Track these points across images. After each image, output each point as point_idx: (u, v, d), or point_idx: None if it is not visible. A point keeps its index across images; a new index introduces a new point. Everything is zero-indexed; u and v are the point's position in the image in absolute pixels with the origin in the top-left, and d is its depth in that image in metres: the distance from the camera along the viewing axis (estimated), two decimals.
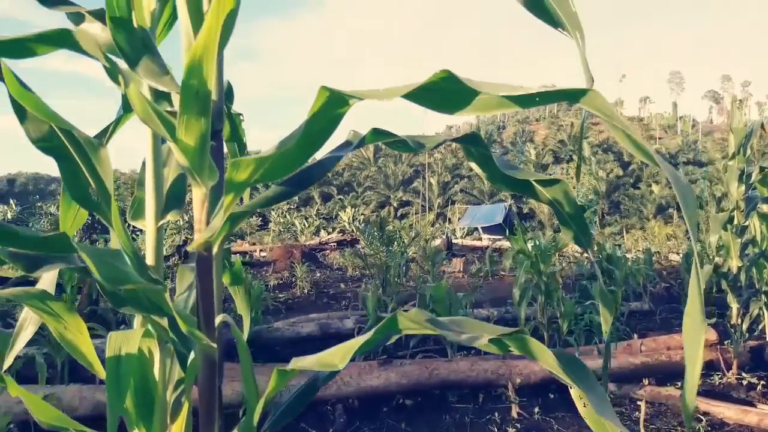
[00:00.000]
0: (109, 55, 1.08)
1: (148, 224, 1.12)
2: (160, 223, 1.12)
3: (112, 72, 0.96)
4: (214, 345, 0.90)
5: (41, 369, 3.60)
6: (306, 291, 11.75)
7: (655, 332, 7.56)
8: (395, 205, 59.28)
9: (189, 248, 0.91)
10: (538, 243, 5.60)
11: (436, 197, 57.36)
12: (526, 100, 0.72)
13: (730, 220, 5.12)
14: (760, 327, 6.24)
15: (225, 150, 1.71)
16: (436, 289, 5.32)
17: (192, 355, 0.99)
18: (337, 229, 37.94)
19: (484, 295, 9.40)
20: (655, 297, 9.63)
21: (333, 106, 0.79)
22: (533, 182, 1.18)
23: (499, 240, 28.54)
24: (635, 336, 5.87)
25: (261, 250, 22.03)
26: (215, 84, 0.98)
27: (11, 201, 39.47)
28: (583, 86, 1.31)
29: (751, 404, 4.38)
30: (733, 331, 5.25)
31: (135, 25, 1.07)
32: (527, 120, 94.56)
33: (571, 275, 13.61)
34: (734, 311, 5.27)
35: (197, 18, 0.88)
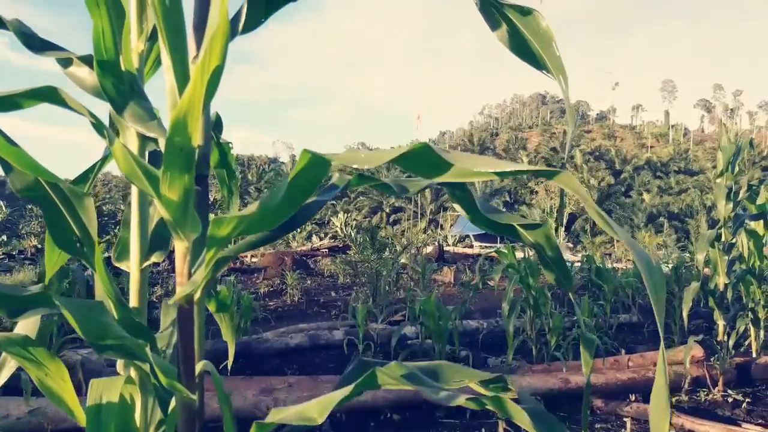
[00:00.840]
0: (95, 110, 1.09)
1: (132, 266, 1.12)
2: (145, 264, 1.13)
3: (98, 127, 0.97)
4: (194, 397, 0.90)
5: (26, 386, 3.58)
6: (296, 299, 11.73)
7: (644, 345, 7.61)
8: (387, 211, 59.39)
9: (170, 302, 0.92)
10: (527, 257, 5.62)
11: (429, 203, 57.49)
12: (501, 174, 0.74)
13: (718, 237, 5.16)
14: (746, 342, 6.29)
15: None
16: (425, 303, 5.33)
17: (173, 402, 0.99)
18: (329, 235, 37.95)
19: (475, 304, 9.38)
20: (644, 309, 9.67)
21: (315, 168, 0.80)
22: (516, 226, 1.19)
23: (491, 247, 28.61)
24: (623, 351, 5.90)
25: (252, 256, 22.01)
26: (201, 129, 0.98)
27: (1, 203, 39.22)
28: (570, 128, 1.32)
29: (736, 423, 4.40)
30: (719, 347, 5.29)
31: (122, 69, 1.08)
32: (520, 127, 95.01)
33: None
34: (720, 328, 5.31)
35: (183, 73, 0.89)
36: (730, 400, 5.06)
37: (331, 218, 42.51)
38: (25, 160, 0.85)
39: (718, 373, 5.24)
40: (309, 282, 14.44)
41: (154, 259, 1.14)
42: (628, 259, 25.37)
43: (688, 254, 24.97)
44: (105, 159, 1.25)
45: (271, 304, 11.59)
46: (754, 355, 5.86)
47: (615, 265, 21.58)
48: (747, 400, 5.05)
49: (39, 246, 23.55)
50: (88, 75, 1.10)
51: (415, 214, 52.53)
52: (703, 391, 5.25)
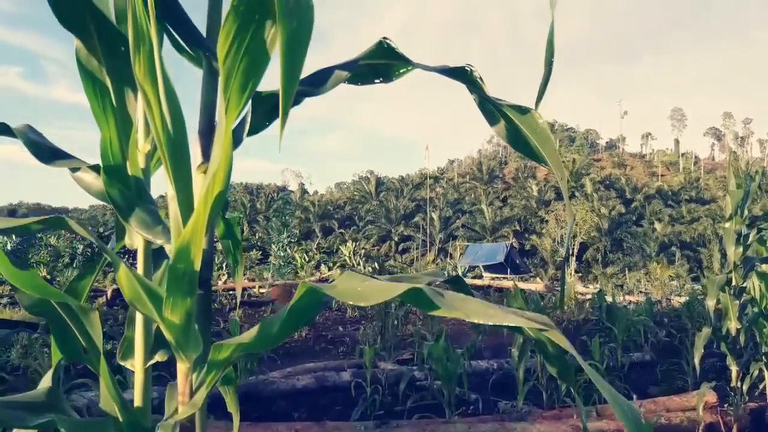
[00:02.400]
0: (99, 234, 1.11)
1: (136, 365, 1.13)
2: (149, 364, 1.14)
3: (103, 248, 0.99)
4: None
5: None
6: (303, 335, 11.69)
7: (657, 387, 7.50)
8: (396, 239, 59.30)
9: (171, 421, 0.92)
10: (536, 302, 5.58)
11: (438, 232, 57.36)
12: (496, 326, 0.75)
13: (728, 282, 5.12)
14: (761, 386, 6.18)
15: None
16: (434, 347, 5.30)
17: None
18: (338, 264, 37.89)
19: (485, 341, 9.26)
20: (657, 347, 9.55)
21: (311, 298, 0.81)
22: (524, 328, 1.19)
23: (501, 279, 28.45)
24: (634, 397, 5.81)
25: (260, 287, 22.00)
26: (206, 238, 1.00)
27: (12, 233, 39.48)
28: (569, 220, 1.33)
29: None
30: (732, 393, 5.21)
31: (129, 173, 1.11)
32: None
33: (573, 318, 13.55)
34: (734, 373, 5.23)
35: (186, 203, 0.91)
36: None
37: (340, 247, 42.51)
38: (35, 283, 0.87)
39: (732, 419, 5.15)
40: (317, 316, 14.41)
41: (157, 358, 1.15)
42: (640, 291, 25.15)
43: (700, 286, 24.76)
44: (104, 260, 1.28)
45: None
46: None
47: (626, 297, 21.44)
48: None
49: (48, 276, 23.67)
50: (94, 180, 1.12)
51: (423, 243, 52.42)
52: None
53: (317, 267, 35.44)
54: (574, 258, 47.06)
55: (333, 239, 58.83)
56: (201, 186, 1.00)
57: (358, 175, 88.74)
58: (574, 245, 47.86)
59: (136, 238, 1.15)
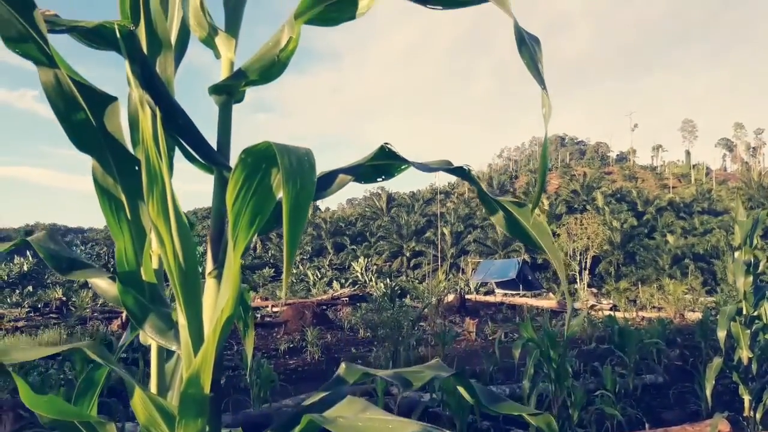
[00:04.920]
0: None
1: None
2: None
3: (119, 371, 1.05)
4: None
5: None
6: (316, 357, 11.73)
7: (670, 411, 7.44)
8: (408, 255, 59.21)
9: None
10: (547, 329, 5.59)
11: (449, 247, 57.24)
12: None
13: (739, 312, 5.10)
14: None
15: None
16: (445, 382, 5.31)
17: None
18: (350, 281, 37.92)
19: (498, 360, 9.14)
20: (669, 369, 9.47)
21: (311, 428, 0.86)
22: (525, 416, 1.23)
23: (513, 296, 28.35)
24: (647, 426, 5.78)
25: (273, 306, 22.07)
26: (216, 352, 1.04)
27: (28, 253, 39.96)
28: (569, 304, 1.36)
29: None
30: (745, 424, 5.17)
31: (143, 278, 1.16)
32: None
33: (585, 337, 13.47)
34: (746, 403, 5.20)
35: (197, 333, 0.96)
36: None
37: (352, 263, 42.55)
38: (57, 408, 0.93)
39: None
40: (329, 337, 14.42)
41: None
42: (653, 306, 24.93)
43: (713, 298, 24.50)
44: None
45: (291, 362, 11.58)
46: None
47: (639, 313, 21.27)
48: None
49: (64, 298, 23.87)
50: (110, 287, 1.18)
51: (435, 258, 52.29)
52: None
53: (330, 284, 35.52)
54: (587, 272, 46.78)
55: (345, 255, 58.87)
56: (211, 293, 1.05)
57: (369, 191, 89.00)
58: (586, 258, 47.61)
59: (149, 338, 1.20)
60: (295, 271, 35.48)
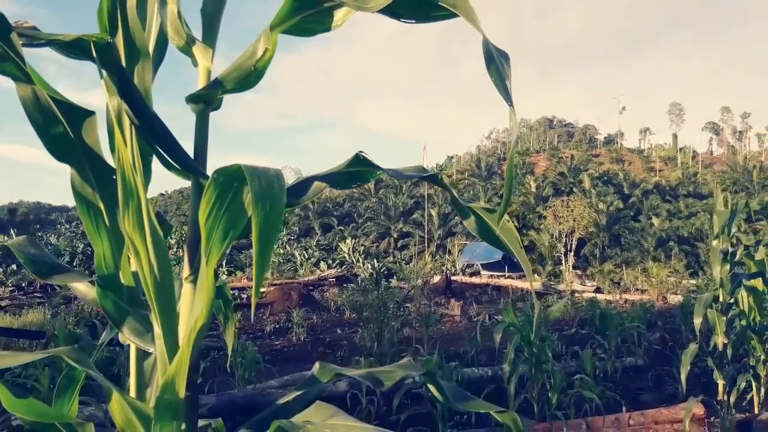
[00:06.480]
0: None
1: None
2: None
3: (98, 378, 1.08)
4: None
5: None
6: (302, 338, 11.81)
7: (648, 393, 7.61)
8: (395, 236, 59.37)
9: None
10: (528, 315, 5.69)
11: (437, 229, 57.44)
12: None
13: (715, 299, 5.22)
14: (749, 397, 6.29)
15: None
16: (427, 363, 5.41)
17: None
18: (337, 261, 37.99)
19: (481, 341, 9.24)
20: (650, 352, 9.65)
21: None
22: (492, 413, 1.28)
23: (498, 277, 28.60)
24: (624, 408, 5.92)
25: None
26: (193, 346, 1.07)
27: (12, 231, 39.64)
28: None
29: None
30: (719, 407, 5.31)
31: (122, 282, 1.19)
32: (528, 152, 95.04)
33: (568, 320, 13.66)
34: (720, 387, 5.34)
35: (172, 344, 1.00)
36: None
37: (339, 244, 42.58)
38: (36, 410, 0.96)
39: (719, 431, 5.26)
40: (315, 318, 14.51)
41: None
42: (637, 289, 25.27)
43: (695, 281, 24.84)
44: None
45: (277, 343, 11.66)
46: (755, 411, 5.86)
47: (623, 295, 21.56)
48: None
49: None
50: (88, 290, 1.21)
51: (422, 239, 52.47)
52: None
53: (317, 264, 35.57)
54: (572, 254, 47.17)
55: (332, 236, 58.88)
56: (187, 297, 1.09)
57: None
58: (572, 241, 47.98)
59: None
60: (281, 251, 35.53)
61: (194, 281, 1.10)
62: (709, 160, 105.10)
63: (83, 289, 1.24)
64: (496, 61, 1.03)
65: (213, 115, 1.24)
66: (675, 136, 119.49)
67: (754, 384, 5.87)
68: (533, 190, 62.00)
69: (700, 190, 68.15)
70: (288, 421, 0.90)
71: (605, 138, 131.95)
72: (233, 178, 0.85)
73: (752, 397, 6.07)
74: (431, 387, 1.30)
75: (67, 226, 46.91)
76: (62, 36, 0.96)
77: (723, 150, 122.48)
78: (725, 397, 5.28)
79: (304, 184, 1.20)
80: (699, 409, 5.52)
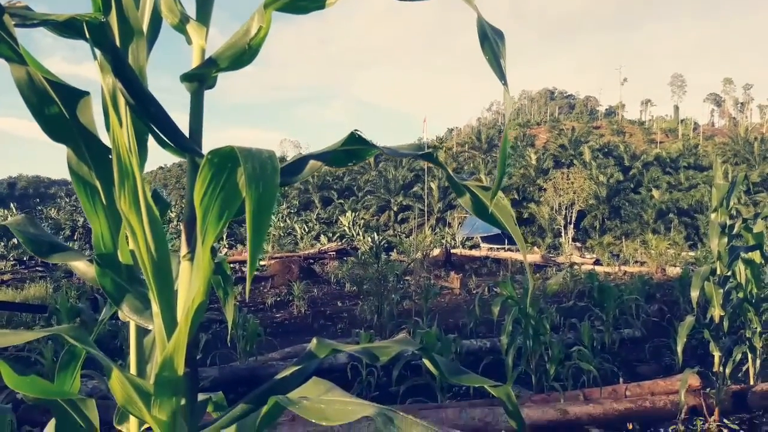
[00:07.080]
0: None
1: (131, 428, 1.25)
2: (144, 427, 1.25)
3: (98, 356, 1.10)
4: None
5: None
6: (303, 311, 11.91)
7: (645, 365, 7.70)
8: (395, 209, 59.44)
9: None
10: (526, 287, 5.72)
11: (437, 202, 57.48)
12: None
13: (713, 272, 5.25)
14: (744, 368, 6.36)
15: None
16: (427, 336, 5.46)
17: None
18: (337, 235, 38.12)
19: (480, 314, 9.30)
20: (648, 324, 9.73)
21: (277, 409, 0.92)
22: (487, 387, 1.30)
23: (498, 250, 28.71)
24: (621, 380, 5.99)
25: (260, 260, 22.27)
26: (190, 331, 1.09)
27: (12, 205, 39.67)
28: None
29: None
30: (715, 378, 5.38)
31: (120, 260, 1.20)
32: (528, 124, 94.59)
33: (568, 292, 13.75)
34: (716, 359, 5.40)
35: (170, 320, 1.01)
36: (725, 430, 5.15)
37: (339, 217, 42.68)
38: (39, 387, 0.98)
39: (714, 402, 5.32)
40: (316, 291, 14.61)
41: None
42: (636, 261, 25.39)
43: (694, 253, 24.93)
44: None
45: (277, 316, 11.76)
46: (751, 382, 5.93)
47: (622, 267, 21.65)
48: (743, 428, 5.15)
49: None
50: (88, 269, 1.22)
51: (422, 212, 52.52)
52: (700, 420, 5.34)
53: (317, 238, 35.68)
54: (572, 226, 47.28)
55: (332, 210, 59.00)
56: (185, 275, 1.10)
57: None
58: (572, 213, 48.06)
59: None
60: (282, 224, 35.58)
61: (192, 259, 1.11)
62: (710, 131, 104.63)
63: (82, 267, 1.25)
64: (490, 39, 1.03)
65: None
66: (676, 108, 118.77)
67: (749, 355, 5.93)
68: (534, 162, 61.86)
69: (700, 162, 67.98)
70: (285, 396, 0.92)
71: (606, 110, 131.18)
72: (227, 158, 0.85)
73: (748, 369, 6.14)
74: (426, 361, 1.33)
75: (67, 200, 46.89)
76: (55, 16, 0.95)
77: (725, 122, 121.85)
78: (721, 368, 5.34)
79: (299, 163, 1.20)
80: (695, 381, 5.59)
